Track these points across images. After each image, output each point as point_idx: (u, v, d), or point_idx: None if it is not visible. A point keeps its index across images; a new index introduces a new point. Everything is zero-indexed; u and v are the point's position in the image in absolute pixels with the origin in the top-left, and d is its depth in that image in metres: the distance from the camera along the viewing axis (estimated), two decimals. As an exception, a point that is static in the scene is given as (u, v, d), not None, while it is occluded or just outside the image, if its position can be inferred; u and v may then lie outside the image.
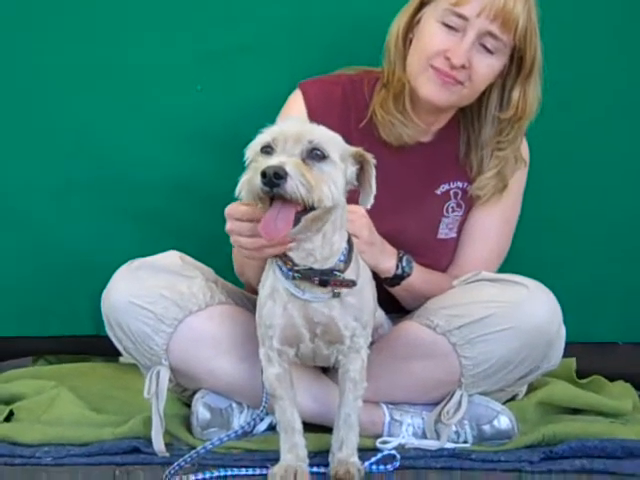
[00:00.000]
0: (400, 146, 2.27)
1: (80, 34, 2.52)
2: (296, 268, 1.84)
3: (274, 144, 1.76)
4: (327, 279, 1.84)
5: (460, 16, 2.12)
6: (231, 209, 1.89)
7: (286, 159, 1.72)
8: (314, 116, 2.22)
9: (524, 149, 2.34)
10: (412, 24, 2.22)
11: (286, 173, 1.69)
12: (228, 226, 1.90)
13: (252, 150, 1.81)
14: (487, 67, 2.16)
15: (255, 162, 1.78)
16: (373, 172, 1.84)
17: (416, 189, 2.31)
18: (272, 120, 2.26)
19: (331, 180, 1.75)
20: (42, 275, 2.62)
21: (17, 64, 2.54)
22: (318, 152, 1.75)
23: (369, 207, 1.85)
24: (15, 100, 2.55)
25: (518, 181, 2.34)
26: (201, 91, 2.55)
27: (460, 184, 2.32)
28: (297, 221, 1.75)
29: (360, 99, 2.30)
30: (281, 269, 1.87)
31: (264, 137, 1.79)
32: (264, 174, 1.69)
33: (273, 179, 1.69)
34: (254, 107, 2.46)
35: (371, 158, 1.84)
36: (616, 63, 2.56)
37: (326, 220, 1.82)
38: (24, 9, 2.52)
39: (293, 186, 1.69)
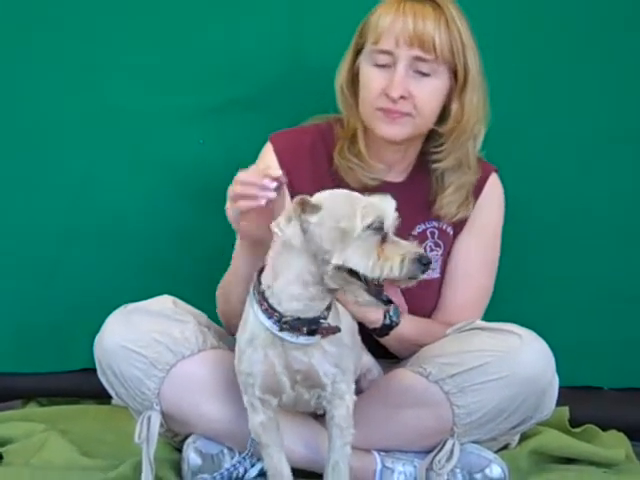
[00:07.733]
0: (365, 189, 2.21)
1: (81, 86, 2.56)
2: (284, 319, 1.84)
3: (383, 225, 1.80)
4: (315, 328, 1.86)
5: (385, 52, 2.17)
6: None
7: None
8: (284, 166, 2.22)
9: (496, 187, 2.35)
10: (353, 73, 2.26)
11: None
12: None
13: (358, 225, 1.78)
14: (428, 90, 2.19)
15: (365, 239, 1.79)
16: None
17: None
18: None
19: None
20: (38, 314, 2.65)
21: (20, 113, 2.58)
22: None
23: None
24: (18, 149, 2.60)
25: (494, 222, 2.36)
26: (203, 144, 2.59)
27: (435, 223, 2.33)
28: None
29: (329, 146, 2.32)
30: (269, 318, 1.86)
31: (369, 216, 1.79)
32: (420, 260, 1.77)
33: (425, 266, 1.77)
34: (255, 161, 2.47)
35: None
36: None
37: None
38: (28, 58, 2.57)
39: None
